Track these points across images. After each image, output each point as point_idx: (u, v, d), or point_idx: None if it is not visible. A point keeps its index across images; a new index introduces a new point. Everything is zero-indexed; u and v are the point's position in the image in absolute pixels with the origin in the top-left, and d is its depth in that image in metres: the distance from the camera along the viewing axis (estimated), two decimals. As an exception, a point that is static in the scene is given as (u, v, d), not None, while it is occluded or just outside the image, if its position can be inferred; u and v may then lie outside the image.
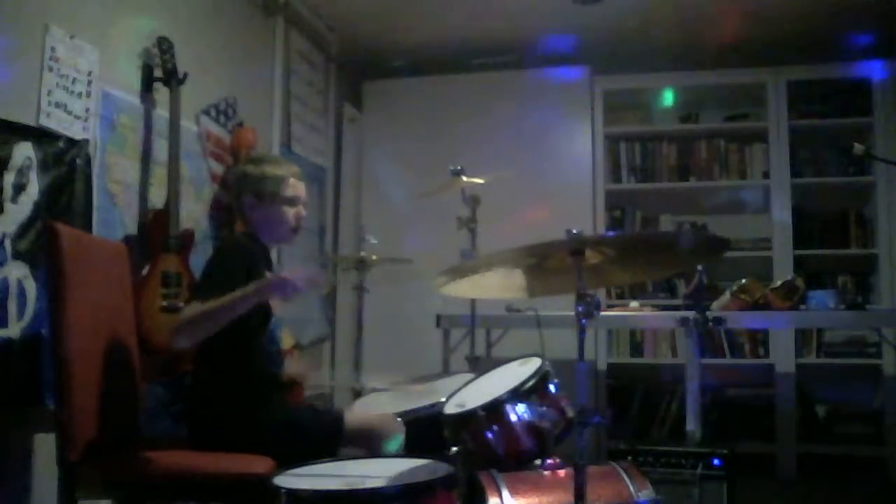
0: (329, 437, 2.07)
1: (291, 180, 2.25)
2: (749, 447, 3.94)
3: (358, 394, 2.91)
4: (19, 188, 2.17)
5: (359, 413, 2.21)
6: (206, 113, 3.18)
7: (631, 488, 1.86)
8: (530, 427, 2.06)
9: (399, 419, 2.22)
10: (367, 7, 4.08)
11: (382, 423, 2.16)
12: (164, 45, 2.75)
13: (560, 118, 4.50)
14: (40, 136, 2.25)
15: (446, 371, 3.36)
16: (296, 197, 2.26)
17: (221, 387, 2.10)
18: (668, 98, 4.59)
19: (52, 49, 2.30)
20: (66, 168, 2.35)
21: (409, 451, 2.13)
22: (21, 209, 2.18)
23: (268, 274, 1.99)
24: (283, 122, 3.83)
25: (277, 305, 2.24)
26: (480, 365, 3.10)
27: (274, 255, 3.54)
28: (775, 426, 4.11)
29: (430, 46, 4.54)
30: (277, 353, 2.37)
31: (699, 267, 3.08)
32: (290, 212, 2.25)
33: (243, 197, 2.22)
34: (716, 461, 2.58)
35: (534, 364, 2.22)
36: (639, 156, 4.61)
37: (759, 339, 4.31)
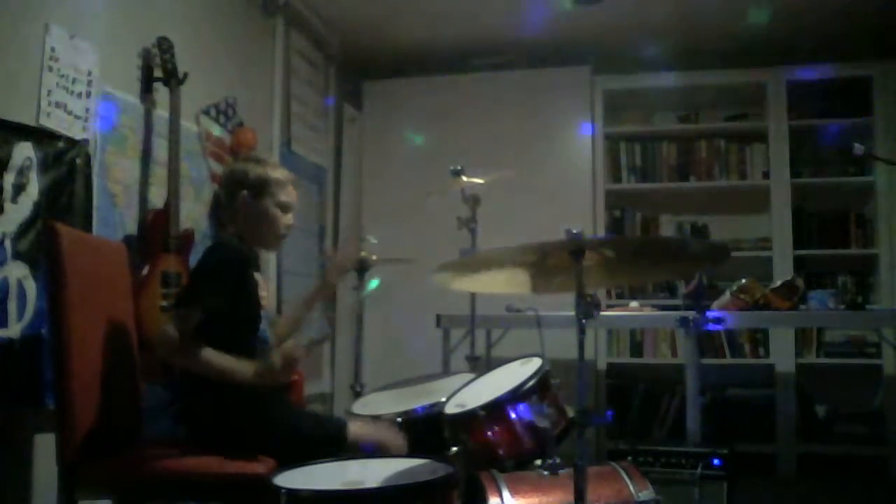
0: (331, 446, 2.06)
1: (290, 187, 2.26)
2: (749, 447, 3.94)
3: (358, 394, 2.91)
4: (19, 188, 2.17)
5: (362, 425, 2.20)
6: (206, 113, 3.18)
7: (631, 488, 1.87)
8: (530, 427, 2.06)
9: (399, 428, 2.22)
10: (367, 7, 4.08)
11: (385, 437, 2.15)
12: (164, 45, 2.75)
13: (560, 118, 4.50)
14: (40, 136, 2.25)
15: (446, 371, 3.36)
16: (290, 203, 2.26)
17: (219, 386, 2.09)
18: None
19: (52, 49, 2.30)
20: (66, 168, 2.35)
21: (409, 451, 2.13)
22: (21, 209, 2.18)
23: (274, 355, 2.02)
24: (283, 122, 3.83)
25: (267, 303, 2.24)
26: (480, 365, 3.10)
27: (273, 256, 3.56)
28: (775, 426, 4.11)
29: (430, 46, 4.54)
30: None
31: (699, 267, 3.08)
32: (281, 217, 2.24)
33: (240, 193, 2.21)
34: (716, 461, 2.58)
35: (534, 364, 2.22)
36: (639, 156, 4.61)
37: (759, 339, 4.32)
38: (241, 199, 2.20)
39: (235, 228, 2.23)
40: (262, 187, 2.20)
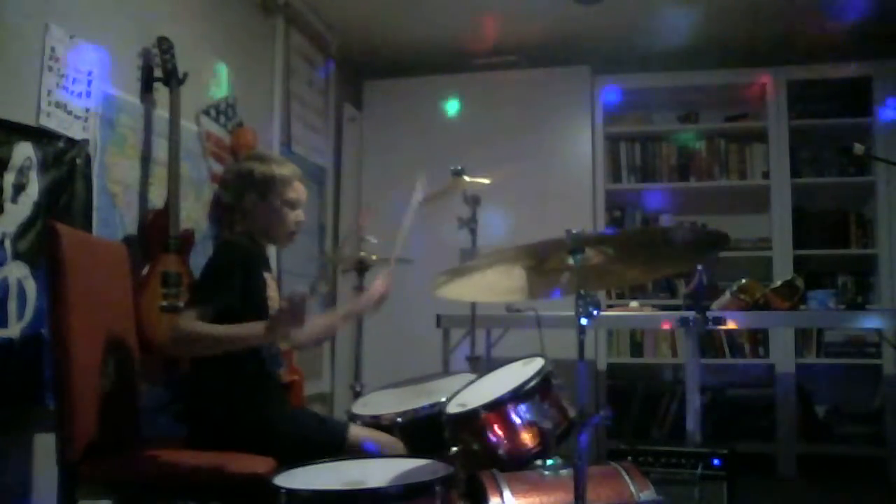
0: (331, 448, 2.06)
1: (296, 183, 2.24)
2: (749, 447, 3.94)
3: (358, 394, 2.91)
4: (19, 188, 2.17)
5: (362, 429, 2.20)
6: (206, 113, 3.18)
7: (631, 488, 1.87)
8: (531, 427, 2.06)
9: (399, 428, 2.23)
10: (367, 7, 4.08)
11: (384, 444, 2.15)
12: (164, 45, 2.75)
13: (560, 118, 4.50)
14: (40, 136, 2.25)
15: (446, 371, 3.36)
16: (298, 200, 2.25)
17: (219, 385, 2.09)
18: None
19: (52, 49, 2.30)
20: (66, 168, 2.35)
21: (409, 451, 2.13)
22: (21, 209, 2.18)
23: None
24: (283, 122, 3.83)
25: (275, 302, 2.23)
26: (480, 365, 3.10)
27: (273, 255, 3.56)
28: (775, 426, 4.12)
29: (430, 46, 4.54)
30: (276, 351, 2.37)
31: (699, 267, 3.08)
32: (290, 214, 2.23)
33: (247, 194, 2.21)
34: (716, 461, 2.58)
35: (536, 364, 2.22)
36: (639, 156, 4.61)
37: (759, 339, 4.32)
38: (248, 198, 2.20)
39: (244, 228, 2.23)
40: (268, 186, 2.19)
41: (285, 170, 2.24)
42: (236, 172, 2.26)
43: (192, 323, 1.91)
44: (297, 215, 2.25)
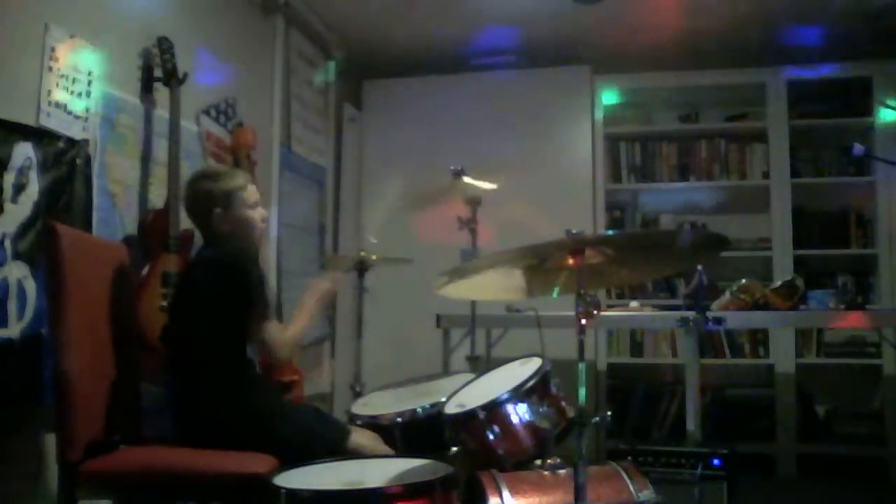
0: (331, 443, 2.06)
1: (250, 186, 2.32)
2: (749, 447, 3.94)
3: (358, 394, 2.91)
4: (19, 188, 2.17)
5: (364, 438, 2.20)
6: (206, 113, 3.18)
7: (631, 488, 1.87)
8: (530, 427, 2.06)
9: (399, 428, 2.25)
10: (367, 7, 4.08)
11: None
12: (164, 45, 2.75)
13: (560, 118, 4.50)
14: (40, 136, 2.25)
15: (446, 371, 3.36)
16: (256, 201, 2.34)
17: (204, 385, 2.10)
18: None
19: (52, 49, 2.30)
20: (66, 168, 2.35)
21: (410, 451, 2.13)
22: (21, 209, 2.18)
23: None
24: (283, 122, 3.83)
25: None
26: (480, 365, 3.10)
27: (273, 253, 3.56)
28: (775, 426, 4.11)
29: (430, 46, 4.54)
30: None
31: (699, 267, 3.08)
32: (255, 215, 2.32)
33: (213, 210, 2.24)
34: (716, 461, 2.58)
35: (534, 364, 2.23)
36: (639, 156, 4.61)
37: (759, 339, 4.32)
38: (215, 216, 2.23)
39: (220, 239, 2.25)
40: (230, 198, 2.26)
41: (238, 180, 2.32)
42: (195, 195, 2.29)
43: (284, 333, 2.22)
44: (260, 212, 2.34)
